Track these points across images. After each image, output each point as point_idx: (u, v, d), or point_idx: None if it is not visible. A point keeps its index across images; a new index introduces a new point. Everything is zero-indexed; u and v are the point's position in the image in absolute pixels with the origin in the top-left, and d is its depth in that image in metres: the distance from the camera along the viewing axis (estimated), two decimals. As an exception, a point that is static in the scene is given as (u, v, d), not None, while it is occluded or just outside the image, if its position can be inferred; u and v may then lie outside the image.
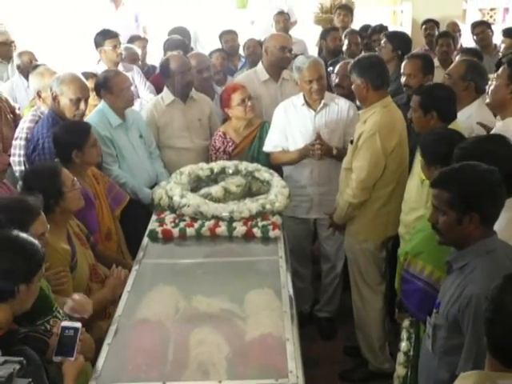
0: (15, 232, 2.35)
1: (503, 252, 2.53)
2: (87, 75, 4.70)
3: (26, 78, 5.81)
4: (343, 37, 6.49)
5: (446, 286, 2.63)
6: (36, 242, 2.37)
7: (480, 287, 2.38)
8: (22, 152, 4.16)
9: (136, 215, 4.16)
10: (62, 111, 4.07)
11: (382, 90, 4.01)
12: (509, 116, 3.43)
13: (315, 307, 4.90)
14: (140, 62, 6.20)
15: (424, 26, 7.21)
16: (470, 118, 3.87)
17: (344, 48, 6.37)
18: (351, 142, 4.06)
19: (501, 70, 3.57)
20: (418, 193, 3.54)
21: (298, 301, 4.55)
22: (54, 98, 4.08)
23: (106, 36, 5.57)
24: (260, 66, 5.17)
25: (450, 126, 3.49)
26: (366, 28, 7.10)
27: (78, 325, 2.49)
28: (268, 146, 4.60)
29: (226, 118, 4.88)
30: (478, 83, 4.05)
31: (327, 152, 4.34)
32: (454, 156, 2.79)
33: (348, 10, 7.57)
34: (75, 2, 8.78)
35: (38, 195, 2.83)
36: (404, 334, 3.18)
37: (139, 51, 6.25)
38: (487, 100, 3.79)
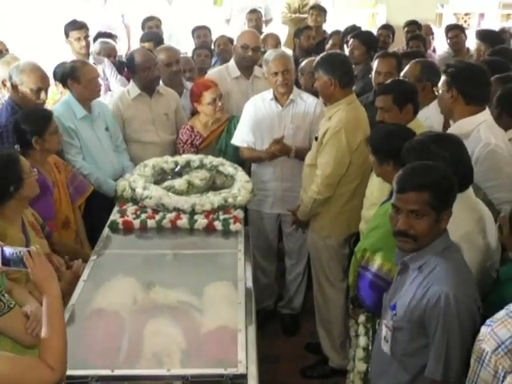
0: None
1: (455, 247, 2.53)
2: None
3: None
4: (328, 37, 6.69)
5: (400, 286, 2.57)
6: None
7: (447, 286, 2.36)
8: None
9: (101, 206, 4.14)
10: (22, 101, 4.02)
11: (348, 87, 4.02)
12: (458, 119, 3.41)
13: (279, 304, 4.90)
14: (116, 58, 6.15)
15: (406, 29, 7.29)
16: (429, 120, 3.88)
17: (327, 47, 6.47)
18: (316, 138, 4.07)
19: (442, 78, 3.50)
20: (380, 188, 3.52)
21: (262, 296, 4.59)
22: (14, 88, 4.03)
23: (71, 27, 5.52)
24: (232, 62, 5.15)
25: (412, 123, 3.52)
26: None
27: (23, 250, 2.18)
28: (236, 140, 4.59)
29: (194, 112, 4.86)
30: (434, 82, 3.97)
31: (284, 153, 4.37)
32: (402, 155, 2.78)
33: (321, 10, 7.69)
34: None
35: None
36: (361, 330, 3.18)
37: (117, 46, 6.20)
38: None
